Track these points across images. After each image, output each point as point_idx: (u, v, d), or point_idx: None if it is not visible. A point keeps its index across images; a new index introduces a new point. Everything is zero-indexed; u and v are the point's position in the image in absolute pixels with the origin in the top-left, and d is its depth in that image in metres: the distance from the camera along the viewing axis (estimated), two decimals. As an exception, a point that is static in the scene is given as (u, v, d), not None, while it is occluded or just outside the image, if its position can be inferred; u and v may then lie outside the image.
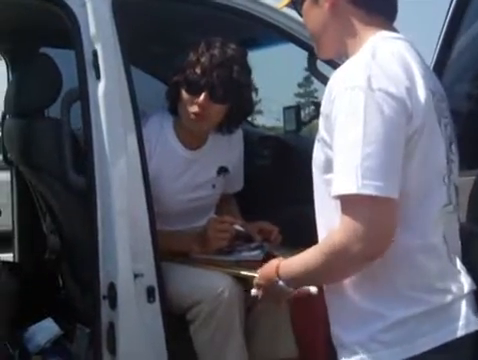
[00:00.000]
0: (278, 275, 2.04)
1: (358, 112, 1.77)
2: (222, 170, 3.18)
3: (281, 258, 2.10)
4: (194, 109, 2.95)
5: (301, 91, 41.59)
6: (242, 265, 2.91)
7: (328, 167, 1.88)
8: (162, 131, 3.08)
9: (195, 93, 2.94)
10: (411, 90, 1.83)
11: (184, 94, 2.97)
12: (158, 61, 3.95)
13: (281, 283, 2.04)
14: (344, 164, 1.78)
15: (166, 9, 3.06)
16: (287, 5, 2.18)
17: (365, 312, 1.86)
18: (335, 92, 1.83)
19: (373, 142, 1.75)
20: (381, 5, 2.00)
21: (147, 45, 3.65)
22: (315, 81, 3.55)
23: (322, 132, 1.90)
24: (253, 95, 3.11)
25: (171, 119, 3.10)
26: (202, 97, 2.93)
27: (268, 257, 2.86)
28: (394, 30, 2.01)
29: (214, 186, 3.18)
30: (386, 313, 1.86)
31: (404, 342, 1.85)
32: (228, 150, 3.18)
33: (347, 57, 2.01)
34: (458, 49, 2.72)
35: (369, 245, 1.75)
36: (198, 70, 2.93)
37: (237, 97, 2.99)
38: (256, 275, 2.30)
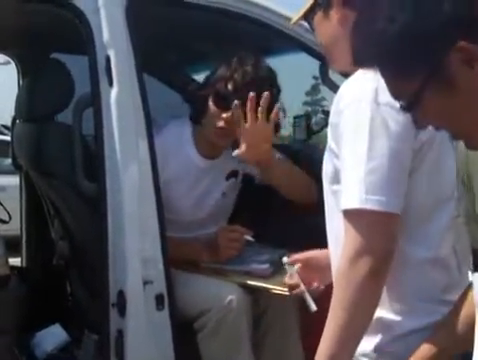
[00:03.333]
0: None
1: (364, 126, 1.76)
2: (231, 175, 3.17)
3: None
4: (220, 123, 2.94)
5: (308, 99, 41.66)
6: (251, 275, 2.91)
7: (335, 177, 1.88)
8: (180, 140, 3.08)
9: (223, 108, 2.93)
10: None
11: (212, 107, 2.96)
12: (171, 68, 3.96)
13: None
14: (349, 178, 1.78)
15: (180, 16, 3.06)
16: (299, 20, 2.18)
17: (373, 323, 1.85)
18: (343, 103, 1.83)
19: (377, 157, 1.75)
20: None
21: (160, 52, 3.64)
22: (323, 89, 3.55)
23: (330, 142, 1.90)
24: (281, 116, 3.09)
25: (190, 128, 3.10)
26: (230, 113, 2.92)
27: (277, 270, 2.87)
28: None
29: (224, 194, 3.17)
30: (393, 324, 1.85)
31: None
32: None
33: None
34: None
35: (371, 260, 1.72)
36: (230, 86, 2.92)
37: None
38: (265, 285, 2.29)
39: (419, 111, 1.34)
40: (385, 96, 1.76)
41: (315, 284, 2.27)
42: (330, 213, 1.97)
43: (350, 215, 1.77)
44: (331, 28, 2.03)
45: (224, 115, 2.93)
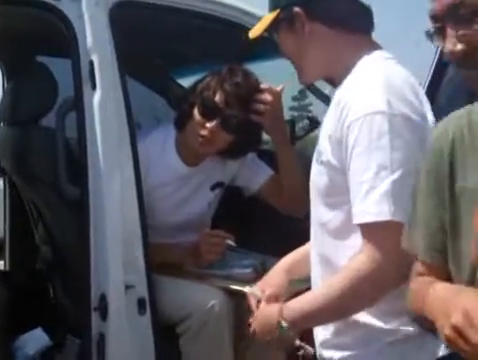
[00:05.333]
0: (283, 318, 1.97)
1: (383, 138, 1.76)
2: (216, 186, 3.17)
3: (280, 303, 2.03)
4: (203, 132, 2.93)
5: (295, 104, 41.63)
6: (233, 279, 2.91)
7: (332, 191, 1.88)
8: (164, 146, 3.07)
9: (208, 117, 2.93)
10: (424, 115, 1.84)
11: (196, 115, 2.95)
12: (154, 72, 3.96)
13: (284, 325, 1.97)
14: (372, 191, 1.77)
15: (163, 21, 3.06)
16: (261, 34, 2.15)
17: (373, 329, 1.86)
18: (351, 118, 1.81)
19: (400, 168, 1.76)
20: (360, 22, 2.00)
21: (145, 56, 3.65)
22: (310, 95, 3.55)
23: (328, 156, 1.88)
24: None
25: (174, 134, 3.09)
26: (214, 123, 2.92)
27: (259, 275, 2.88)
28: (378, 46, 2.00)
29: (209, 205, 3.17)
30: (396, 328, 1.87)
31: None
32: (223, 165, 3.17)
33: (335, 79, 2.00)
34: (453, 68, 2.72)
35: (399, 270, 1.72)
36: (217, 96, 2.92)
37: (248, 130, 2.97)
38: (246, 290, 2.31)
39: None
40: (398, 108, 1.76)
41: None
42: (317, 226, 1.98)
43: (374, 227, 1.78)
44: (297, 41, 2.01)
45: (208, 124, 2.93)
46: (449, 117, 1.57)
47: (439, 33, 1.43)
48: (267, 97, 2.92)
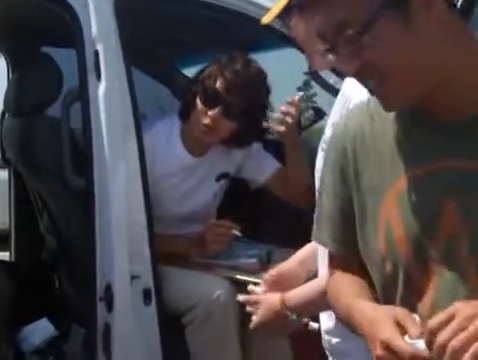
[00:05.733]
0: (286, 307, 2.03)
1: None
2: (222, 176, 3.17)
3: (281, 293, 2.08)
4: (206, 121, 2.93)
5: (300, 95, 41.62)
6: (239, 269, 2.91)
7: None
8: (169, 136, 3.07)
9: (210, 105, 2.92)
10: None
11: (199, 104, 2.95)
12: (159, 62, 3.95)
13: (291, 315, 2.02)
14: None
15: (168, 11, 3.06)
16: (272, 20, 2.16)
17: None
18: (352, 106, 1.79)
19: None
20: None
21: (148, 46, 3.64)
22: (315, 85, 3.53)
23: None
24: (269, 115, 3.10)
25: (179, 124, 3.09)
26: (216, 111, 2.91)
27: (264, 265, 2.88)
28: None
29: (215, 195, 3.17)
30: None
31: None
32: (228, 155, 3.16)
33: None
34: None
35: None
36: (218, 84, 2.92)
37: (251, 117, 2.98)
38: (253, 279, 2.30)
39: (367, 39, 1.28)
40: None
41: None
42: None
43: None
44: (308, 27, 1.97)
45: (210, 112, 2.92)
46: (350, 112, 1.57)
47: (331, 50, 1.35)
48: (292, 110, 2.94)
